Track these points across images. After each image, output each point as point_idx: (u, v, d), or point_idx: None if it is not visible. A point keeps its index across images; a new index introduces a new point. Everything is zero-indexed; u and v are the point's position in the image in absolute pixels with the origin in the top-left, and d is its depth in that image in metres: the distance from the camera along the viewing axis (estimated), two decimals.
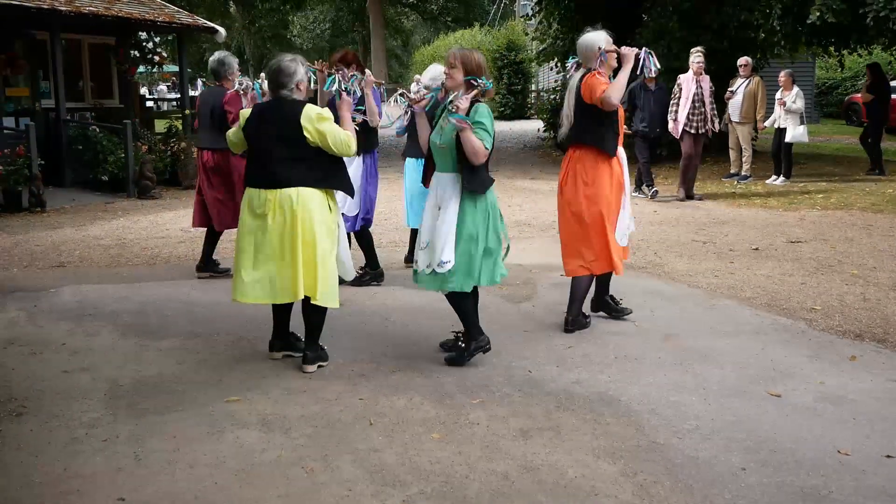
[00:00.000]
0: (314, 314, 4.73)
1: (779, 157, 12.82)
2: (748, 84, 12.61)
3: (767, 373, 4.69)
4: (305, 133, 4.52)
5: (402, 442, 3.81)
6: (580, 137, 5.31)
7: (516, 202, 11.44)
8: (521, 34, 30.55)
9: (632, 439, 3.82)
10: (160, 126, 16.64)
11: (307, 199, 4.54)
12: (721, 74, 14.21)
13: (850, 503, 3.25)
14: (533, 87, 31.86)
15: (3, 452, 3.73)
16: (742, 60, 12.83)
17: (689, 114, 11.07)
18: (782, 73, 12.65)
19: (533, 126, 24.08)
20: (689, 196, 11.47)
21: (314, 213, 4.55)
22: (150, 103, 23.48)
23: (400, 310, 5.99)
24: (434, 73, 6.68)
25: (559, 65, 21.40)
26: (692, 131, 11.12)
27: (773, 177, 12.85)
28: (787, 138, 12.48)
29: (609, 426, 3.97)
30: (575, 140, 5.37)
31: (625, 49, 5.17)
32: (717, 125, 11.43)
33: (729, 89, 12.82)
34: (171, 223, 10.10)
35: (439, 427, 3.97)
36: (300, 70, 4.65)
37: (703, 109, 11.11)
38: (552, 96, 20.72)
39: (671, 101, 11.29)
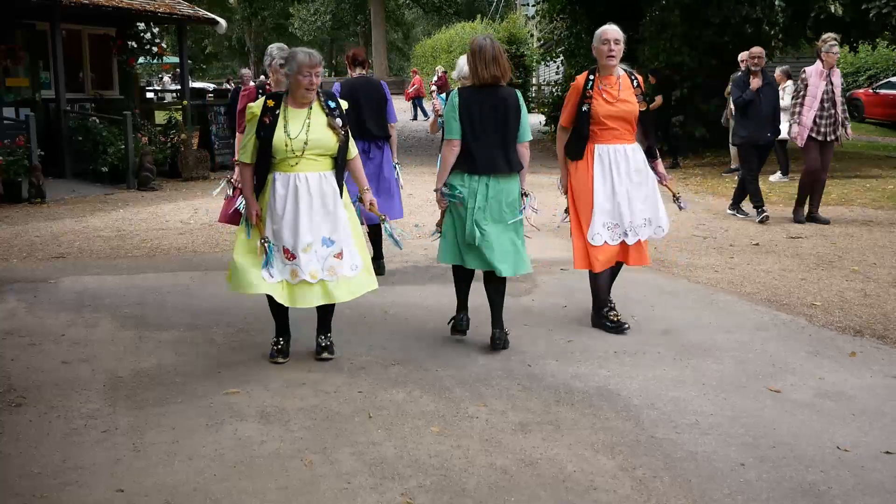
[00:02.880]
0: None
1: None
2: None
3: (767, 368, 4.69)
4: None
5: (401, 435, 3.81)
6: None
7: None
8: (523, 27, 30.48)
9: (631, 434, 3.82)
10: (160, 117, 16.62)
11: None
12: (722, 69, 14.21)
13: (850, 499, 3.25)
14: (534, 81, 31.81)
15: (2, 443, 3.73)
16: (743, 55, 12.79)
17: (815, 117, 8.91)
18: (777, 70, 12.62)
19: (534, 120, 24.04)
20: (814, 217, 9.27)
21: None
22: (150, 94, 23.45)
23: (399, 304, 5.99)
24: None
25: (562, 59, 21.44)
26: (819, 138, 8.94)
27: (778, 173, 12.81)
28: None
29: (608, 420, 3.97)
30: None
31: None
32: (848, 131, 9.24)
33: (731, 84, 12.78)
34: (171, 215, 10.09)
35: (438, 420, 3.97)
36: (289, 62, 4.58)
37: (833, 111, 8.92)
38: (553, 89, 20.69)
39: (793, 101, 9.18)
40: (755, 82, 9.19)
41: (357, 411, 4.07)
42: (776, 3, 13.19)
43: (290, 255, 4.56)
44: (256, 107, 4.60)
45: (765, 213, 9.26)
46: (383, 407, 4.13)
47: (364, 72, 6.95)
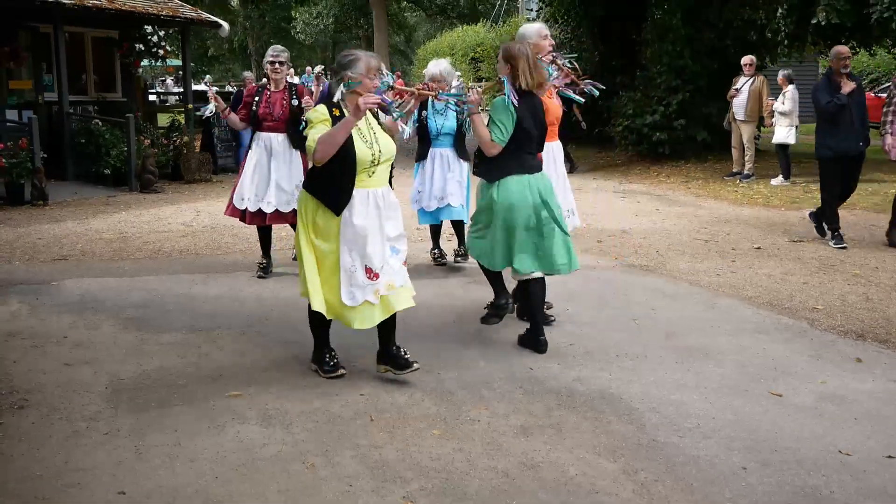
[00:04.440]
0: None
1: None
2: (753, 83, 12.60)
3: (769, 372, 4.68)
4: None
5: (403, 438, 3.81)
6: None
7: None
8: None
9: (633, 437, 3.82)
10: (163, 120, 16.63)
11: (299, 202, 4.46)
12: (724, 72, 14.22)
13: (851, 503, 3.25)
14: None
15: (5, 445, 3.73)
16: (746, 59, 12.82)
17: None
18: (780, 74, 12.62)
19: None
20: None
21: (301, 217, 4.41)
22: (152, 97, 23.49)
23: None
24: (440, 69, 6.70)
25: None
26: None
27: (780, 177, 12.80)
28: (774, 139, 12.51)
29: (610, 424, 3.97)
30: None
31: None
32: None
33: (733, 87, 12.80)
34: (173, 217, 10.10)
35: (440, 424, 3.97)
36: (355, 65, 4.28)
37: None
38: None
39: (887, 108, 8.05)
40: (848, 86, 7.92)
41: (359, 414, 4.07)
42: (780, 7, 13.18)
43: (374, 275, 4.32)
44: (323, 114, 4.24)
45: (842, 243, 8.02)
46: (385, 410, 4.13)
47: None
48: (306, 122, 4.35)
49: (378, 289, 4.31)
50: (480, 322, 5.43)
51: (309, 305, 4.43)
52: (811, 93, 8.31)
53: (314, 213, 4.33)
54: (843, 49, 8.24)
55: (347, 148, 4.21)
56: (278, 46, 6.92)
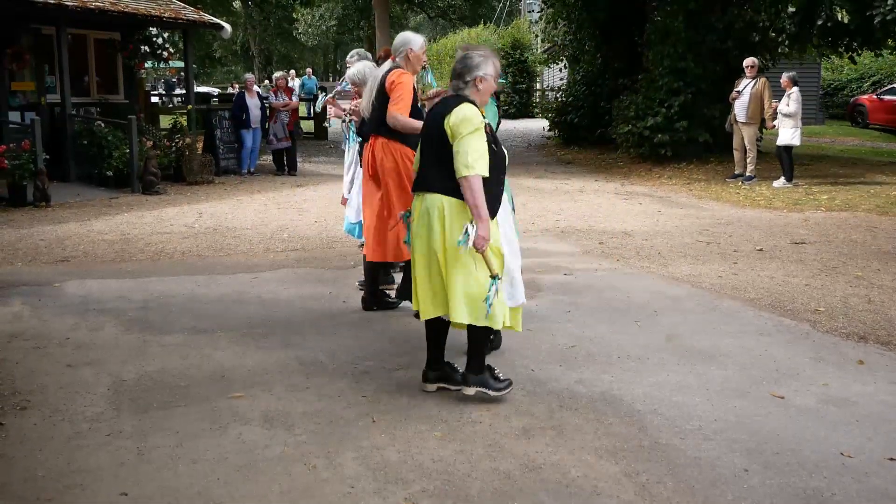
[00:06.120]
0: (469, 334, 4.25)
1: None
2: (754, 85, 12.61)
3: (770, 374, 4.68)
4: (448, 134, 4.03)
5: (405, 439, 3.81)
6: (378, 129, 5.52)
7: (521, 201, 11.42)
8: (527, 33, 30.56)
9: (634, 439, 3.82)
10: (165, 122, 16.65)
11: (451, 208, 4.05)
12: (726, 75, 14.23)
13: None
14: (538, 86, 31.87)
15: (7, 446, 3.74)
16: (748, 61, 12.83)
17: None
18: (784, 76, 12.63)
19: (538, 125, 24.07)
20: None
21: (454, 223, 4.03)
22: (155, 98, 23.51)
23: (403, 308, 5.99)
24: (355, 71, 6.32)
25: (566, 65, 21.50)
26: None
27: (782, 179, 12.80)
28: (778, 141, 12.52)
29: (612, 426, 3.97)
30: (375, 130, 5.55)
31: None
32: None
33: (735, 90, 12.81)
34: (175, 219, 10.11)
35: (441, 425, 3.97)
36: (486, 65, 4.11)
37: None
38: (557, 95, 20.73)
39: None
40: None
41: (360, 415, 4.08)
42: (784, 10, 13.19)
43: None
44: (480, 118, 4.06)
45: None
46: (387, 411, 4.13)
47: None
48: (452, 125, 4.02)
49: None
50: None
51: (477, 328, 4.16)
52: None
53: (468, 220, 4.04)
54: None
55: (499, 155, 4.15)
56: (353, 51, 7.31)
